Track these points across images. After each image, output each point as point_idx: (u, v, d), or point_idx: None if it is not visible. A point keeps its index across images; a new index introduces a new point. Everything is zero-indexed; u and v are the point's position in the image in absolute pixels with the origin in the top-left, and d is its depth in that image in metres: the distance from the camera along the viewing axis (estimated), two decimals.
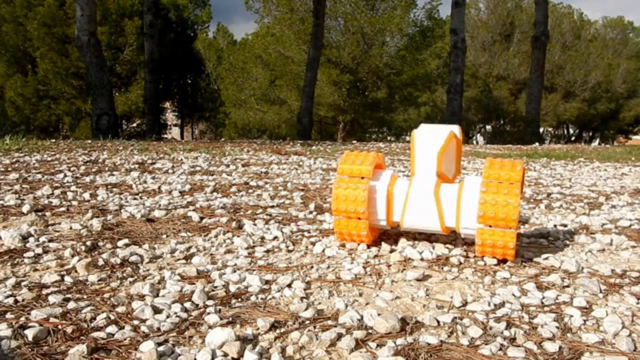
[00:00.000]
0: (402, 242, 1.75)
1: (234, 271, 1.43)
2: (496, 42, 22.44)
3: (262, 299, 1.24)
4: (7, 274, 1.36)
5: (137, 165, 3.81)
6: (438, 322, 1.12)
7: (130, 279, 1.35)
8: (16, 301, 1.17)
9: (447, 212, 1.57)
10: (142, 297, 1.22)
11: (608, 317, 1.15)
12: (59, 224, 1.90)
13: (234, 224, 1.96)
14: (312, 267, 1.50)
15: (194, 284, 1.32)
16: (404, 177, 1.67)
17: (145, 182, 3.02)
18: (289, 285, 1.33)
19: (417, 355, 0.97)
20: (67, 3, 15.08)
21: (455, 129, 1.68)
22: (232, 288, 1.30)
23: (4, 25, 15.97)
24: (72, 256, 1.51)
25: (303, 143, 7.84)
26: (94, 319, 1.09)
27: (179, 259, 1.55)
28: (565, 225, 2.13)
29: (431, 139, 1.63)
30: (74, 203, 2.31)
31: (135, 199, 2.48)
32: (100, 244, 1.65)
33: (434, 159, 1.61)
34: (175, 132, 24.31)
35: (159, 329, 1.05)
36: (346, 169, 1.65)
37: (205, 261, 1.53)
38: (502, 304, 1.23)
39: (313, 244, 1.74)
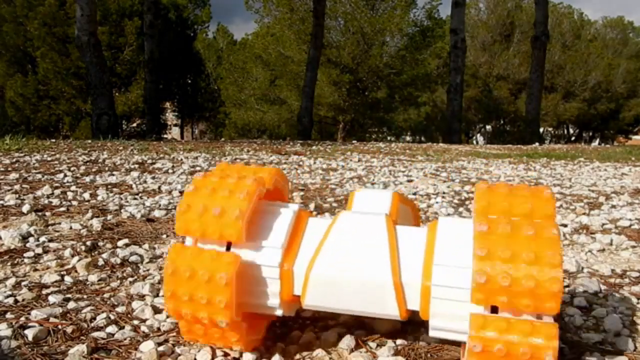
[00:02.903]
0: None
1: None
2: (496, 42, 22.45)
3: None
4: (7, 274, 1.36)
5: (137, 165, 3.81)
6: None
7: (130, 279, 1.35)
8: (16, 301, 1.17)
9: (408, 274, 0.79)
10: (142, 297, 1.22)
11: (608, 317, 1.15)
12: (59, 224, 1.90)
13: None
14: None
15: None
16: (322, 217, 0.90)
17: (145, 182, 3.02)
18: None
19: (417, 355, 0.96)
20: (67, 3, 15.08)
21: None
22: None
23: (4, 25, 15.97)
24: (72, 256, 1.51)
25: (303, 143, 7.84)
26: (94, 319, 1.09)
27: None
28: (565, 225, 2.13)
29: (379, 194, 0.97)
30: (74, 203, 2.31)
31: (135, 199, 2.48)
32: (100, 244, 1.65)
33: (387, 197, 0.95)
34: (175, 132, 24.30)
35: (159, 328, 1.05)
36: (193, 225, 0.82)
37: None
38: None
39: None
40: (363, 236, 0.82)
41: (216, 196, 0.82)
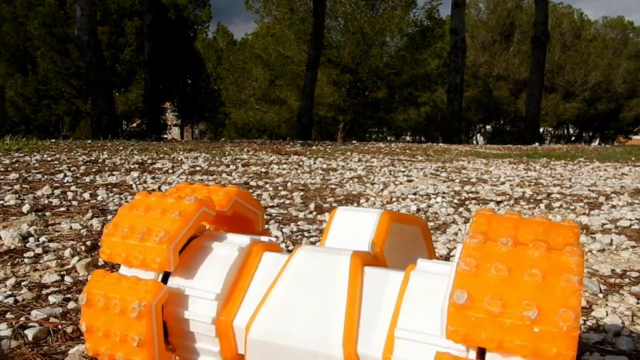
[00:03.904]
0: None
1: None
2: (496, 42, 22.47)
3: None
4: (7, 274, 1.36)
5: (137, 165, 3.81)
6: None
7: None
8: (16, 301, 1.17)
9: (367, 344, 0.57)
10: None
11: (608, 317, 1.15)
12: (59, 224, 1.90)
13: None
14: None
15: None
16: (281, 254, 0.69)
17: (145, 182, 3.02)
18: None
19: None
20: (67, 3, 15.09)
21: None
22: None
23: (4, 25, 15.98)
24: (72, 256, 1.51)
25: (303, 143, 7.85)
26: None
27: None
28: None
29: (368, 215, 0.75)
30: (74, 203, 2.31)
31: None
32: (100, 243, 1.65)
33: (371, 220, 0.74)
34: (175, 132, 24.32)
35: None
36: (116, 249, 0.66)
37: None
38: None
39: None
40: (318, 285, 0.62)
41: (147, 216, 0.67)
